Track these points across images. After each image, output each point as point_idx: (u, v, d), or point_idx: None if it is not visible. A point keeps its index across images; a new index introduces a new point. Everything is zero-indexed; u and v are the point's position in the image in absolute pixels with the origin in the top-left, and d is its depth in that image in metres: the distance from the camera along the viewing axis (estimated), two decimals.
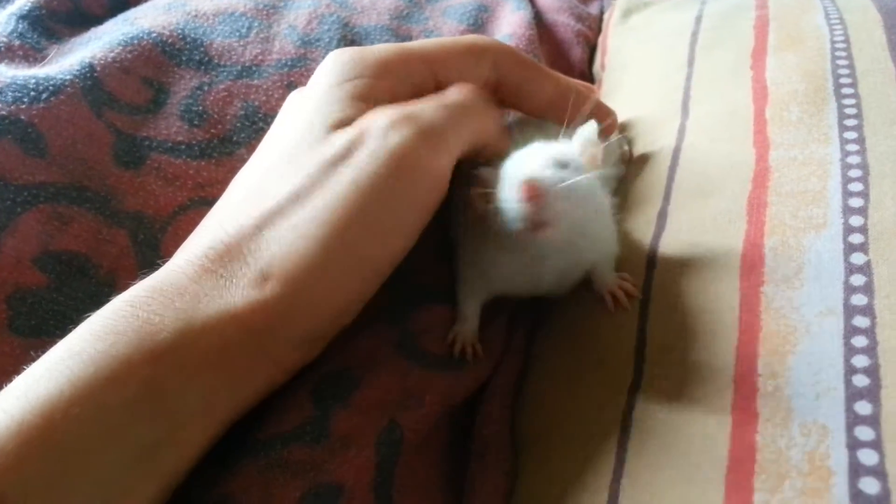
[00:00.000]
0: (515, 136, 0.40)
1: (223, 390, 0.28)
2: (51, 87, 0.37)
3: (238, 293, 0.28)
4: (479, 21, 0.54)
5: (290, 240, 0.28)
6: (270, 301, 0.28)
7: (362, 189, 0.29)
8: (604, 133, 0.38)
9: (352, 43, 0.49)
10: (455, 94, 0.33)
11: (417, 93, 0.34)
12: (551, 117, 0.38)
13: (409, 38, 0.51)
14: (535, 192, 0.29)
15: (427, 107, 0.32)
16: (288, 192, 0.29)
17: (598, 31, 0.60)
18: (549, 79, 0.37)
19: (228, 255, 0.28)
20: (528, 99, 0.37)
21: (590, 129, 0.33)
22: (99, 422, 0.24)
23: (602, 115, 0.39)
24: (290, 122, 0.33)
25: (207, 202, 0.38)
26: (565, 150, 0.32)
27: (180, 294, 0.27)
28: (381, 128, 0.30)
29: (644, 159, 0.42)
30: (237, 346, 0.27)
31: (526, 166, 0.30)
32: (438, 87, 0.35)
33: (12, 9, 0.44)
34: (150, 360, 0.25)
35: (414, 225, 0.31)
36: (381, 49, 0.34)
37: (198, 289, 0.27)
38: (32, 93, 0.37)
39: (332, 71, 0.33)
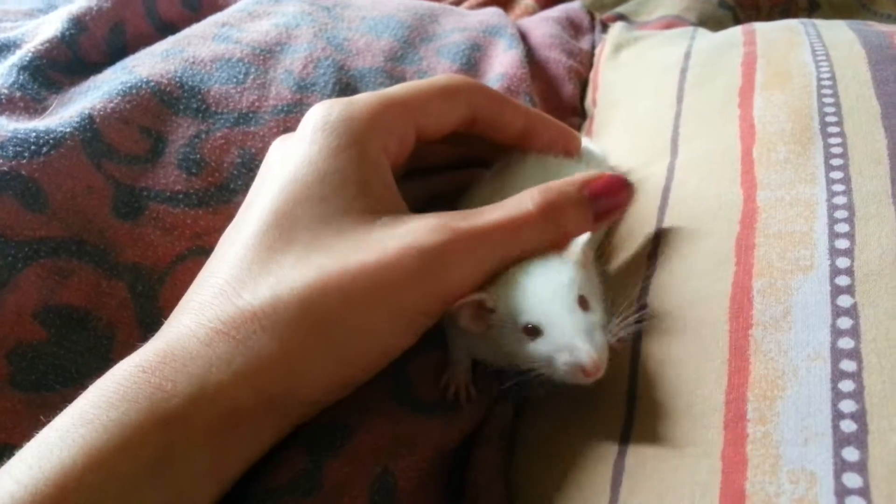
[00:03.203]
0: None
1: (233, 449, 0.28)
2: (51, 141, 0.38)
3: (252, 356, 0.28)
4: (472, 60, 0.55)
5: (302, 306, 0.29)
6: (286, 363, 0.28)
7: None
8: (571, 153, 0.41)
9: (347, 86, 0.49)
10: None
11: (402, 143, 0.35)
12: (522, 145, 0.40)
13: (404, 79, 0.52)
14: (600, 373, 0.30)
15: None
16: (295, 258, 0.30)
17: (590, 66, 0.61)
18: (518, 111, 0.39)
19: (241, 317, 0.29)
20: (501, 130, 0.39)
21: (580, 241, 0.33)
22: (110, 490, 0.24)
23: (567, 139, 0.41)
24: (283, 181, 0.33)
25: (205, 251, 0.39)
26: (574, 282, 0.32)
27: (192, 359, 0.28)
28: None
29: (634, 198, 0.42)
30: (250, 409, 0.28)
31: (580, 338, 0.30)
32: (419, 132, 0.36)
33: (13, 59, 0.45)
34: (162, 425, 0.26)
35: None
36: (367, 105, 0.34)
37: (210, 353, 0.28)
38: (33, 147, 0.37)
39: (320, 136, 0.34)
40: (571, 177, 0.35)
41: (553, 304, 0.31)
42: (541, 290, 0.32)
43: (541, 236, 0.33)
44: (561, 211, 0.33)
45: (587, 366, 0.30)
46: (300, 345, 0.29)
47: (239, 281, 0.30)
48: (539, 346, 0.31)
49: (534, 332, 0.31)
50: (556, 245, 0.33)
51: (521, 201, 0.33)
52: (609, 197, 0.35)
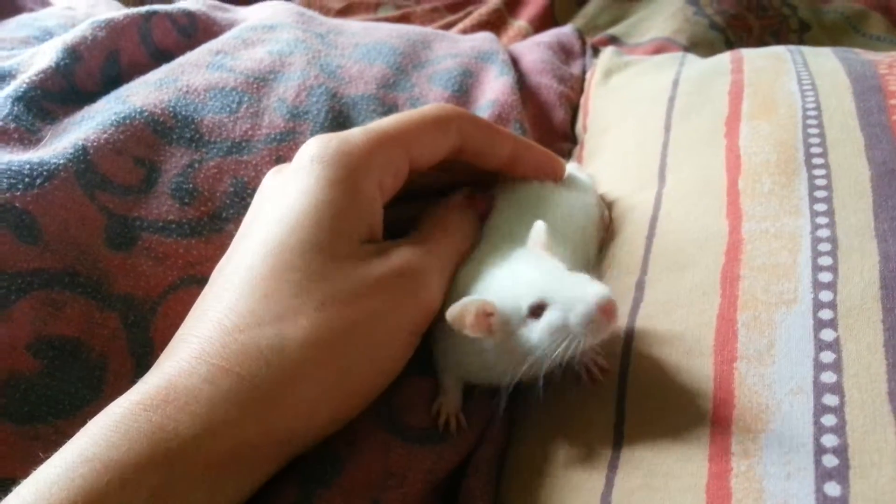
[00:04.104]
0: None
1: (233, 484, 0.29)
2: (45, 173, 0.38)
3: (261, 394, 0.28)
4: (464, 87, 0.55)
5: (309, 343, 0.30)
6: (297, 401, 0.29)
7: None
8: (555, 179, 0.42)
9: (339, 114, 0.50)
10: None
11: (396, 177, 0.36)
12: (510, 172, 0.41)
13: (396, 107, 0.53)
14: (615, 308, 0.31)
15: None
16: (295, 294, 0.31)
17: (581, 91, 0.62)
18: (506, 139, 0.40)
19: (245, 354, 0.29)
20: (489, 158, 0.40)
21: (539, 228, 0.35)
22: None
23: (551, 165, 0.42)
24: (278, 212, 0.34)
25: (198, 280, 0.39)
26: (555, 258, 0.34)
27: (195, 397, 0.28)
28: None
29: (622, 226, 0.43)
30: (255, 446, 0.28)
31: (583, 287, 0.31)
32: (412, 163, 0.37)
33: (8, 90, 0.45)
34: (163, 464, 0.26)
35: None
36: (365, 140, 0.35)
37: (213, 391, 0.28)
38: (27, 179, 0.38)
39: (318, 168, 0.34)
40: (455, 196, 0.41)
41: (547, 277, 0.32)
42: (531, 274, 0.33)
43: (463, 248, 0.38)
44: (469, 226, 0.40)
45: (603, 303, 0.30)
46: (310, 382, 0.29)
47: (239, 315, 0.30)
48: (550, 318, 0.31)
49: (539, 309, 0.32)
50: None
51: (447, 222, 0.38)
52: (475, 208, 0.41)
